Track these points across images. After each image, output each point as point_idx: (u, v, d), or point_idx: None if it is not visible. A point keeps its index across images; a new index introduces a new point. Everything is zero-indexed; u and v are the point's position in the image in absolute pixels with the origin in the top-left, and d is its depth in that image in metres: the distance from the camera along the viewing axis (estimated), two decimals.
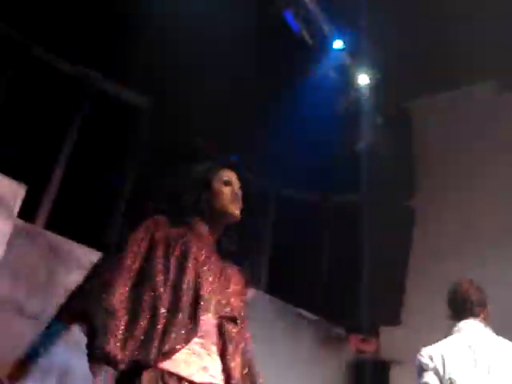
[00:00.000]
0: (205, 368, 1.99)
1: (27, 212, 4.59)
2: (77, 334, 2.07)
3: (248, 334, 2.26)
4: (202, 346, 2.01)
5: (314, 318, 5.91)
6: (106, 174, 5.69)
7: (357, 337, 6.01)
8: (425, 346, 5.80)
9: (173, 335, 1.92)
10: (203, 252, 2.13)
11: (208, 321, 2.05)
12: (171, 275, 2.03)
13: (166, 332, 1.92)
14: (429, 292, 6.00)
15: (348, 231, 6.36)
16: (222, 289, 2.13)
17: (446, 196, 6.26)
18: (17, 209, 4.11)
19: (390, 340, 6.11)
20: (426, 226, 6.18)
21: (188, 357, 1.96)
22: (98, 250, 4.96)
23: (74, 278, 4.65)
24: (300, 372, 5.46)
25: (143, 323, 1.94)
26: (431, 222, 6.22)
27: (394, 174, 6.21)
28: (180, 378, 1.93)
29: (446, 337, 3.12)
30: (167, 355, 1.90)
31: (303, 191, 6.88)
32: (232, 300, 2.15)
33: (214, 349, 2.05)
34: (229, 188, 2.29)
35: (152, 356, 1.88)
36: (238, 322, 2.14)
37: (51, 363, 4.41)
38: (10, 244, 4.01)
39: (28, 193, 4.29)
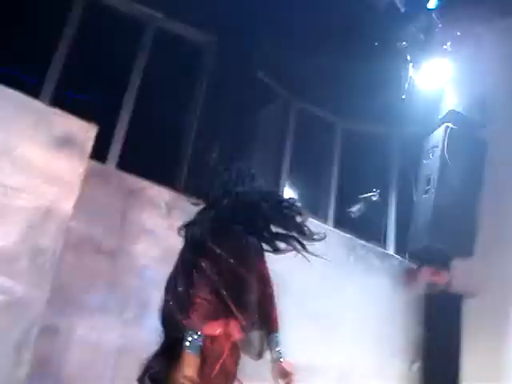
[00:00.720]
0: None
1: (99, 153, 4.68)
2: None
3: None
4: None
5: (386, 252, 5.88)
6: (172, 112, 5.74)
7: (429, 269, 5.96)
8: (498, 278, 5.78)
9: None
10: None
11: None
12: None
13: None
14: (504, 223, 5.89)
15: (416, 163, 6.22)
16: None
17: None
18: (89, 150, 4.20)
19: (462, 272, 6.05)
20: (499, 155, 5.98)
21: None
22: (169, 188, 5.08)
23: (146, 217, 4.83)
24: (372, 306, 5.49)
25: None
26: (502, 151, 6.02)
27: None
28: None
29: None
30: None
31: (369, 124, 6.77)
32: None
33: None
34: None
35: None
36: None
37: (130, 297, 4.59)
38: (84, 185, 4.12)
39: (98, 134, 4.37)
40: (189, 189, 5.38)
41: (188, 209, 5.04)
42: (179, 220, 4.98)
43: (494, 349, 5.63)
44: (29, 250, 3.79)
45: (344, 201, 6.26)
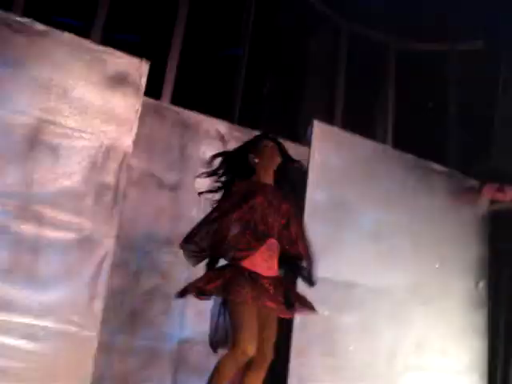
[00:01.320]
0: (270, 268, 3.36)
1: (153, 89, 4.71)
2: None
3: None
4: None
5: (447, 170, 5.76)
6: (223, 43, 5.69)
7: (492, 186, 5.83)
8: None
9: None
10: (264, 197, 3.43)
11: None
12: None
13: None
14: None
15: (476, 80, 6.01)
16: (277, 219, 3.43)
17: None
18: (143, 86, 4.23)
19: None
20: None
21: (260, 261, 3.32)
22: (224, 120, 5.10)
23: (204, 150, 4.87)
24: (434, 226, 5.44)
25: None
26: None
27: None
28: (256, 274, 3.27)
29: None
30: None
31: (424, 43, 6.55)
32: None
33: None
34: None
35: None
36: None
37: None
38: (141, 120, 4.17)
39: (151, 71, 4.39)
40: (244, 119, 5.40)
41: (244, 139, 5.09)
42: None
43: None
44: (93, 188, 3.91)
45: (402, 122, 6.14)
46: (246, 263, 3.27)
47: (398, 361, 5.01)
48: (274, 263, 3.39)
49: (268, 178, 3.57)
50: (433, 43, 6.55)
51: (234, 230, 3.35)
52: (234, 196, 3.47)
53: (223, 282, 3.18)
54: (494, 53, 5.82)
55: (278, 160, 3.61)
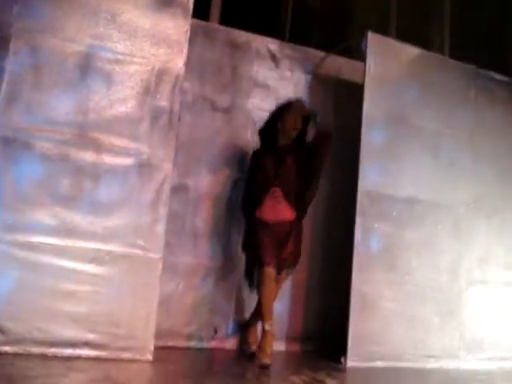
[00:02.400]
0: (277, 213, 4.19)
1: (201, 10, 4.61)
2: None
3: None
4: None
5: (508, 79, 5.50)
6: None
7: None
8: None
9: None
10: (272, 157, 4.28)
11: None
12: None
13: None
14: None
15: None
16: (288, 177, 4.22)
17: None
18: (191, 7, 4.12)
19: None
20: None
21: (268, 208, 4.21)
22: (274, 37, 4.96)
23: (256, 70, 4.79)
24: (494, 137, 5.25)
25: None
26: None
27: None
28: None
29: None
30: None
31: None
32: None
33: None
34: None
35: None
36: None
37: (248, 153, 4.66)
38: (191, 43, 4.09)
39: None
40: (295, 36, 5.24)
41: (296, 56, 4.97)
42: (288, 70, 4.95)
43: None
44: (148, 112, 3.88)
45: (458, 32, 5.86)
46: (258, 213, 4.21)
47: (461, 276, 4.96)
48: (281, 208, 4.18)
49: (286, 141, 4.29)
50: None
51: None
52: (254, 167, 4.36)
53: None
54: None
55: (298, 126, 4.25)
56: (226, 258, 4.59)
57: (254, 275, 4.27)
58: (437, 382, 4.32)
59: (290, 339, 4.78)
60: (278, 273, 4.14)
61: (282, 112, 4.26)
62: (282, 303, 4.67)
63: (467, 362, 4.88)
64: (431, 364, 4.71)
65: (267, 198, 4.17)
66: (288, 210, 4.18)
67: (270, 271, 4.03)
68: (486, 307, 5.01)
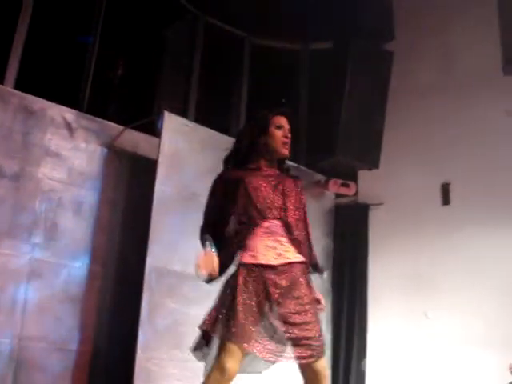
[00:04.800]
0: (280, 254, 2.74)
1: None
2: None
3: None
4: (274, 240, 2.76)
5: (294, 165, 5.94)
6: (72, 30, 5.47)
7: (336, 181, 6.12)
8: (401, 188, 6.04)
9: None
10: (260, 182, 2.83)
11: (274, 222, 2.79)
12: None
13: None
14: (407, 134, 6.09)
15: (325, 78, 6.25)
16: (280, 199, 2.82)
17: (424, 38, 6.18)
18: None
19: (368, 183, 6.26)
20: (405, 65, 6.11)
21: (264, 250, 2.73)
22: (71, 107, 4.90)
23: (49, 138, 4.66)
24: None
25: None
26: (410, 62, 6.17)
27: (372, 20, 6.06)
28: (263, 266, 2.70)
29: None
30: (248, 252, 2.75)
31: (279, 39, 6.72)
32: (289, 205, 2.83)
33: (284, 239, 2.78)
34: (280, 132, 2.90)
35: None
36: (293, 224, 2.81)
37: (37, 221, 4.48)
38: None
39: None
40: (93, 109, 5.22)
41: (93, 128, 4.94)
42: (83, 141, 4.89)
43: (399, 253, 5.97)
44: None
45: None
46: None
47: None
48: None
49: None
50: (285, 41, 6.73)
51: None
52: None
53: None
54: (342, 53, 6.06)
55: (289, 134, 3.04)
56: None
57: None
58: None
59: None
60: None
61: (264, 118, 2.95)
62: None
63: None
64: None
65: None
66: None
67: None
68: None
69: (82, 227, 4.74)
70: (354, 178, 6.25)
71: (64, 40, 5.39)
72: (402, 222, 6.01)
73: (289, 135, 2.91)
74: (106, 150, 4.99)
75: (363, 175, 6.24)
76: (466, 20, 6.02)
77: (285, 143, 2.88)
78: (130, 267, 4.74)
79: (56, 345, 4.47)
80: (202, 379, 4.62)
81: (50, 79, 5.11)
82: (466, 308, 5.47)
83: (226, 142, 5.20)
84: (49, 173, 4.63)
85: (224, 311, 2.68)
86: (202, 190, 4.94)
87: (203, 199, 4.92)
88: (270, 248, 2.75)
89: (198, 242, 4.77)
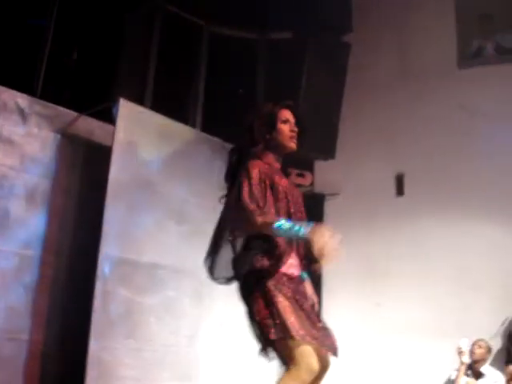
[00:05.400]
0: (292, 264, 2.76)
1: None
2: None
3: None
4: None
5: None
6: (27, 14, 5.34)
7: (292, 171, 6.14)
8: (356, 179, 6.12)
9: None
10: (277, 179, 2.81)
11: None
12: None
13: None
14: (363, 125, 6.17)
15: (283, 68, 6.26)
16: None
17: (382, 32, 6.25)
18: None
19: (324, 174, 6.32)
20: (363, 58, 6.18)
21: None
22: (24, 93, 4.80)
23: (1, 124, 4.56)
24: None
25: None
26: (368, 55, 6.23)
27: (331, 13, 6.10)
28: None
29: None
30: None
31: (237, 28, 6.69)
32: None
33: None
34: (287, 126, 2.90)
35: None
36: None
37: None
38: None
39: None
40: (47, 95, 5.12)
41: (46, 114, 4.85)
42: (36, 127, 4.80)
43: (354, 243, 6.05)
44: None
45: (212, 105, 6.21)
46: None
47: (200, 339, 5.11)
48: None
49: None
50: (244, 30, 6.71)
51: None
52: None
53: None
54: (300, 44, 6.08)
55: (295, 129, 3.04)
56: None
57: None
58: None
59: None
60: None
61: (271, 115, 2.93)
62: (11, 373, 4.35)
63: None
64: None
65: None
66: None
67: None
68: (224, 369, 5.19)
69: (34, 215, 4.66)
70: (310, 169, 6.30)
71: (17, 23, 5.26)
72: (357, 212, 6.09)
73: (295, 129, 2.90)
74: (59, 137, 4.89)
75: (319, 165, 6.30)
76: (423, 15, 6.13)
77: (292, 137, 2.89)
78: (83, 255, 4.68)
79: (8, 334, 4.38)
80: (154, 368, 4.67)
81: (2, 63, 4.98)
82: (419, 297, 5.60)
83: (182, 131, 5.30)
84: (0, 159, 4.53)
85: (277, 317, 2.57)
86: (158, 179, 4.98)
87: (159, 187, 4.96)
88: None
89: (152, 231, 4.81)
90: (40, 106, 4.83)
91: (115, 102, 4.74)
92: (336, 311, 5.97)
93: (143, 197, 4.78)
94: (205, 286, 5.15)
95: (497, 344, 5.25)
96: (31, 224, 4.64)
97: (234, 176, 2.85)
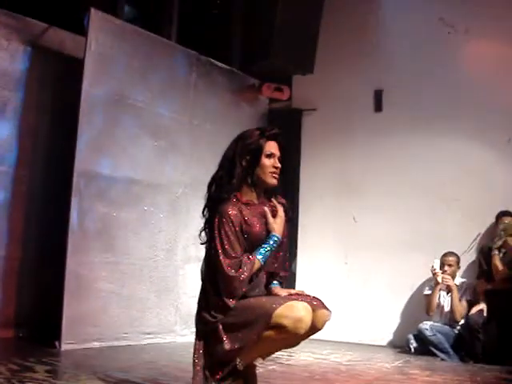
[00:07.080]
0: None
1: None
2: None
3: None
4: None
5: (228, 67, 5.83)
6: None
7: (270, 85, 6.04)
8: (335, 94, 6.06)
9: None
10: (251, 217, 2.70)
11: None
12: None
13: None
14: (342, 40, 6.03)
15: None
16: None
17: None
18: None
19: (302, 88, 6.22)
20: None
21: None
22: None
23: None
24: (214, 122, 5.54)
25: None
26: None
27: None
28: None
29: None
30: None
31: None
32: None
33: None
34: (271, 161, 2.72)
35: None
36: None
37: None
38: None
39: None
40: (13, 3, 4.89)
41: (14, 25, 4.65)
42: (4, 38, 4.61)
43: (331, 159, 6.07)
44: None
45: (187, 18, 6.01)
46: None
47: (178, 253, 5.18)
48: None
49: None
50: None
51: None
52: None
53: None
54: None
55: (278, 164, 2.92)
56: None
57: None
58: (151, 356, 4.41)
59: (1, 325, 4.51)
60: None
61: (256, 147, 2.74)
62: None
63: (184, 336, 5.11)
64: (147, 340, 4.85)
65: None
66: None
67: None
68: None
69: (6, 129, 4.57)
70: (289, 83, 6.20)
71: None
72: (334, 127, 6.07)
73: (278, 164, 2.73)
74: (29, 49, 4.72)
75: (297, 80, 6.20)
76: None
77: (274, 173, 2.73)
78: (57, 171, 4.63)
79: None
80: (132, 280, 4.72)
81: None
82: (395, 211, 5.68)
83: (157, 43, 5.13)
84: None
85: None
86: (131, 92, 4.87)
87: (132, 101, 4.86)
88: None
89: (127, 146, 4.74)
90: (7, 17, 4.63)
91: (86, 12, 4.54)
92: (313, 227, 6.08)
93: (117, 111, 4.68)
94: (181, 201, 5.21)
95: (469, 258, 5.38)
96: (3, 139, 4.55)
97: (211, 210, 2.72)
